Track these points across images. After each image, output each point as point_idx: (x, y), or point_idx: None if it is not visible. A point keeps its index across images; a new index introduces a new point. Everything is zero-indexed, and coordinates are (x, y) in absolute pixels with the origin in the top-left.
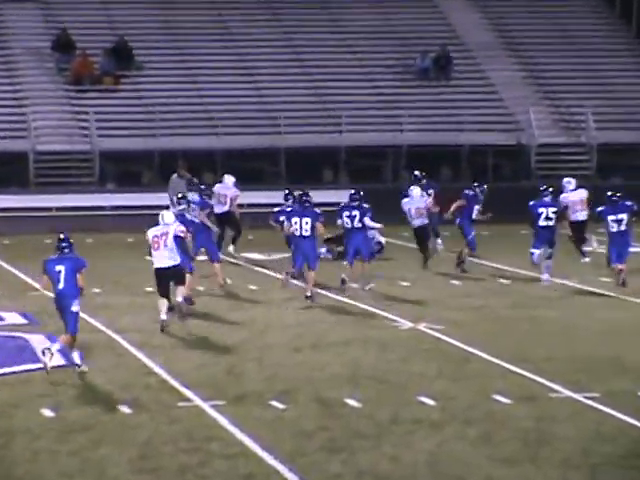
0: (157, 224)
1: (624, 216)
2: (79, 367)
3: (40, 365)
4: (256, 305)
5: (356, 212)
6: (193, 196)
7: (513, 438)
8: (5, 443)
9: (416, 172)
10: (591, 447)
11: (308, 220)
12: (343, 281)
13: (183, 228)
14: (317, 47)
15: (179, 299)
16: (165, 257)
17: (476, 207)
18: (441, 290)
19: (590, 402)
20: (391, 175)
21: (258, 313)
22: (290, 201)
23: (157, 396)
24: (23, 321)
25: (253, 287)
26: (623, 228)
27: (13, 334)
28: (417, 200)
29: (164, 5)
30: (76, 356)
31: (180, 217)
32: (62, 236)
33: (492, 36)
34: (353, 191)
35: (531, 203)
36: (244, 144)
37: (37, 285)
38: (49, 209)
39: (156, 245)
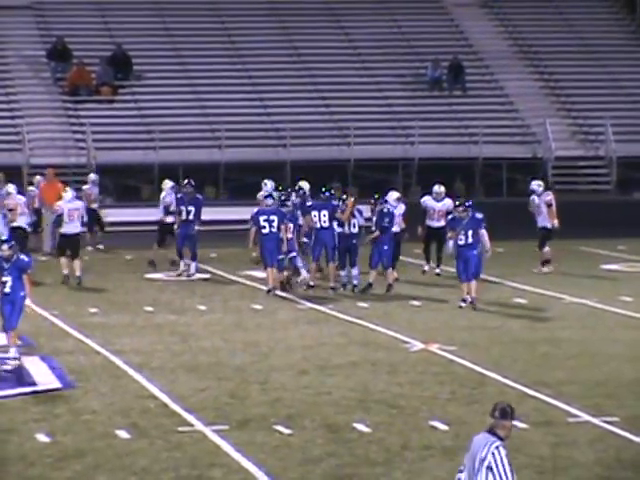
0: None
1: (275, 218)
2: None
3: (35, 388)
4: (260, 326)
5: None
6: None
7: (529, 465)
8: None
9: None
10: (610, 474)
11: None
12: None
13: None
14: (324, 56)
15: (78, 273)
16: (75, 226)
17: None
18: (454, 310)
19: (610, 427)
20: (402, 189)
21: (262, 334)
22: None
23: (157, 421)
24: (17, 342)
25: (257, 307)
26: (274, 230)
27: (6, 356)
28: None
29: (164, 12)
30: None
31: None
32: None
33: (506, 44)
34: (458, 202)
35: None
36: (248, 157)
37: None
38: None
39: (71, 217)
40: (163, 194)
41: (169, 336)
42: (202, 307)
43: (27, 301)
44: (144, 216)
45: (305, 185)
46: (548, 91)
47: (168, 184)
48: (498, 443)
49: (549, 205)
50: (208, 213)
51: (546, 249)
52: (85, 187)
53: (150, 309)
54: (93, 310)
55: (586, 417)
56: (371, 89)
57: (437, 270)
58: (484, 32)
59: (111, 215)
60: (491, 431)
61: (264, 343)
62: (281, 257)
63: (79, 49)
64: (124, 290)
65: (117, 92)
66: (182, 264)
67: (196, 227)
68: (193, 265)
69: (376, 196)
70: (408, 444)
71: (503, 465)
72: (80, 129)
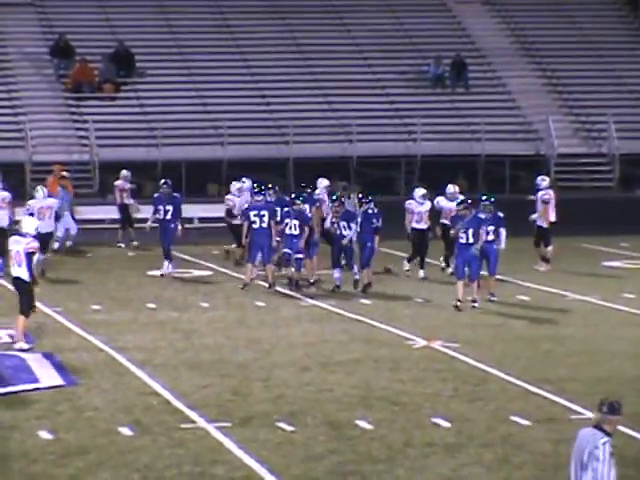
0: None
1: (265, 212)
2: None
3: (38, 385)
4: (263, 323)
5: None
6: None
7: (531, 462)
8: (1, 467)
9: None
10: None
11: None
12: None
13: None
14: (327, 53)
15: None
16: (47, 225)
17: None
18: None
19: None
20: (404, 187)
21: (265, 331)
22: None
23: (159, 417)
24: None
25: (260, 304)
26: (265, 225)
27: (9, 353)
28: None
29: (166, 9)
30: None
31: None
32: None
33: (509, 41)
34: (484, 197)
35: None
36: (251, 154)
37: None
38: None
39: (42, 215)
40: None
41: (172, 333)
42: (205, 304)
43: None
44: (146, 213)
45: (325, 182)
46: (550, 88)
47: (244, 183)
48: (606, 439)
49: (545, 202)
50: (211, 210)
51: (549, 248)
52: (117, 182)
53: (153, 306)
54: (96, 307)
55: (588, 414)
56: (373, 86)
57: (441, 265)
58: (486, 29)
59: (113, 212)
60: (597, 426)
61: (267, 340)
62: (286, 253)
63: (81, 46)
64: (126, 287)
65: (120, 89)
66: (169, 265)
67: (179, 227)
68: (167, 264)
69: (359, 195)
70: (410, 441)
71: (604, 463)
72: (83, 126)
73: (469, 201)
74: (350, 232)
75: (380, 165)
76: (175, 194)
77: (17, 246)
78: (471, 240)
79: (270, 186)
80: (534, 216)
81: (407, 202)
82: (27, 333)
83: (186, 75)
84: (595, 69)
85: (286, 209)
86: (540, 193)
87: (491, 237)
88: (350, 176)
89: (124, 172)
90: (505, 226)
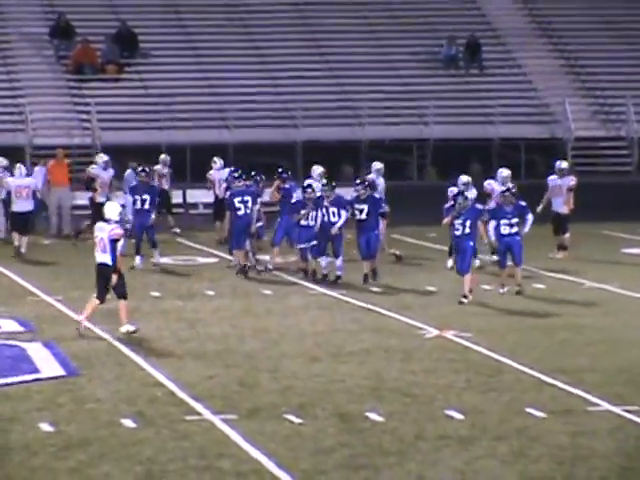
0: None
1: (249, 198)
2: None
3: (38, 376)
4: (270, 311)
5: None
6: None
7: (547, 455)
8: (1, 459)
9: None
10: (631, 465)
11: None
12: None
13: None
14: (336, 33)
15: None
16: (25, 204)
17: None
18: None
19: (631, 416)
20: (416, 171)
21: (272, 320)
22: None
23: (164, 409)
24: (20, 329)
25: (267, 292)
26: (249, 211)
27: (9, 342)
28: None
29: None
30: None
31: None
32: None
33: (525, 21)
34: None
35: None
36: (258, 138)
37: (35, 291)
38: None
39: (19, 194)
40: (211, 172)
41: (176, 322)
42: (210, 292)
43: None
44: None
45: (378, 165)
46: (568, 69)
47: (215, 163)
48: None
49: (571, 190)
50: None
51: (566, 235)
52: (157, 167)
53: (157, 294)
54: None
55: (606, 406)
56: (385, 67)
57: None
58: (502, 8)
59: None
60: None
61: (274, 329)
62: (303, 245)
63: (83, 26)
64: (130, 275)
65: (122, 70)
66: (138, 258)
67: (152, 216)
68: (156, 253)
69: (358, 181)
70: (422, 434)
71: None
72: (84, 109)
73: (466, 194)
74: (340, 219)
75: (391, 149)
76: (153, 183)
77: (101, 233)
78: (467, 231)
79: (253, 174)
80: (556, 206)
81: (449, 190)
82: (29, 322)
83: (191, 56)
84: (614, 50)
85: (294, 199)
86: (564, 179)
87: (515, 229)
88: (360, 160)
89: (163, 157)
90: (531, 212)
